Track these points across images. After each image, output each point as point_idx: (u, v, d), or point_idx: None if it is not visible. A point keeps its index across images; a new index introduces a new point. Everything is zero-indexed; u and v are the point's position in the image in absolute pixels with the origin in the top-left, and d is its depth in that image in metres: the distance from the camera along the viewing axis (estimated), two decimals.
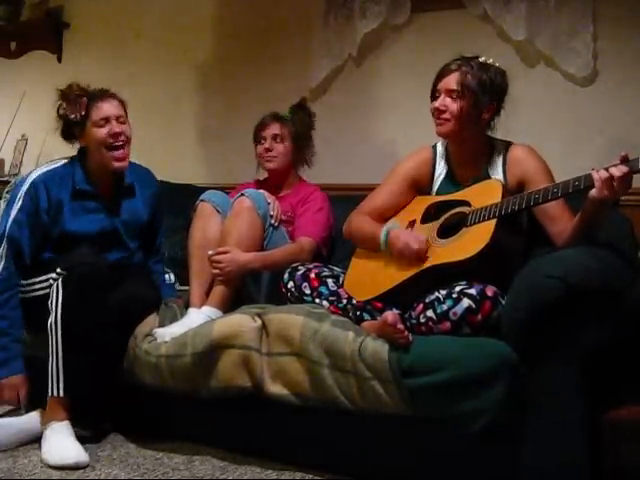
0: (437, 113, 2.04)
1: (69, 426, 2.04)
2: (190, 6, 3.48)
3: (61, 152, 2.45)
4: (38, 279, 2.17)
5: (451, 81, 2.02)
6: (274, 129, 2.58)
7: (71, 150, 2.37)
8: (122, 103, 2.29)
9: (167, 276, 2.49)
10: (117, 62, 3.61)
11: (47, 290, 2.10)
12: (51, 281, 2.10)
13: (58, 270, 2.08)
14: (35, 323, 2.13)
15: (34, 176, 2.23)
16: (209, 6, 3.43)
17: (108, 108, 2.22)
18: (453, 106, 2.01)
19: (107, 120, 2.21)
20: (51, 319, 2.04)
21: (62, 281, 2.06)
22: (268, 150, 2.57)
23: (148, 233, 2.45)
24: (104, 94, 2.26)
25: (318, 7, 3.04)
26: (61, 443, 2.00)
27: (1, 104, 4.11)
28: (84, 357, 2.05)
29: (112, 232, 2.30)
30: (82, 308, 2.03)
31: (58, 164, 2.28)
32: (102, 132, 2.21)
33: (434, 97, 2.07)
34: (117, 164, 2.23)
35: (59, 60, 3.96)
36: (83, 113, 2.20)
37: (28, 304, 2.17)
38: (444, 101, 2.03)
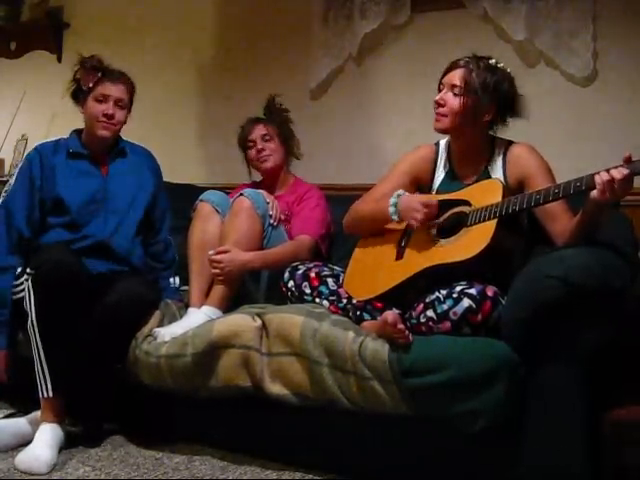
0: (436, 107, 2.04)
1: (54, 429, 2.01)
2: (190, 7, 3.48)
3: None
4: (18, 282, 2.17)
5: (455, 76, 2.01)
6: (260, 130, 2.61)
7: None
8: (129, 89, 2.37)
9: (172, 280, 2.47)
10: (117, 62, 3.55)
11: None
12: (24, 282, 2.10)
13: (28, 270, 2.09)
14: (21, 324, 2.13)
15: (30, 150, 2.38)
16: (210, 7, 3.43)
17: (112, 89, 2.32)
18: (454, 102, 2.01)
19: (106, 99, 2.31)
20: (29, 321, 2.04)
21: (32, 281, 2.06)
22: (261, 151, 2.59)
23: (149, 216, 2.42)
24: (115, 75, 2.35)
25: (318, 7, 3.04)
26: (32, 447, 1.97)
27: (1, 104, 4.11)
28: (71, 355, 2.03)
29: (105, 195, 2.32)
30: (55, 305, 2.02)
31: (52, 139, 2.41)
32: (98, 108, 2.31)
33: (439, 90, 2.07)
34: (102, 131, 2.33)
35: (59, 60, 3.96)
36: (91, 85, 2.31)
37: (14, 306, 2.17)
38: (445, 95, 2.02)
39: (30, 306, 2.04)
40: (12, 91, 4.03)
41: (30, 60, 4.07)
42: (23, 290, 2.11)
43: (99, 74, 2.31)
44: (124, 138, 2.46)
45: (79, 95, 2.35)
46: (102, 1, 3.80)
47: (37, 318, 2.03)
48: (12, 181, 2.34)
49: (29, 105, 3.92)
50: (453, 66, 2.05)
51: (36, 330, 2.03)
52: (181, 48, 3.50)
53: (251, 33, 3.29)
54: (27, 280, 2.08)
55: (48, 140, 2.40)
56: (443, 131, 2.07)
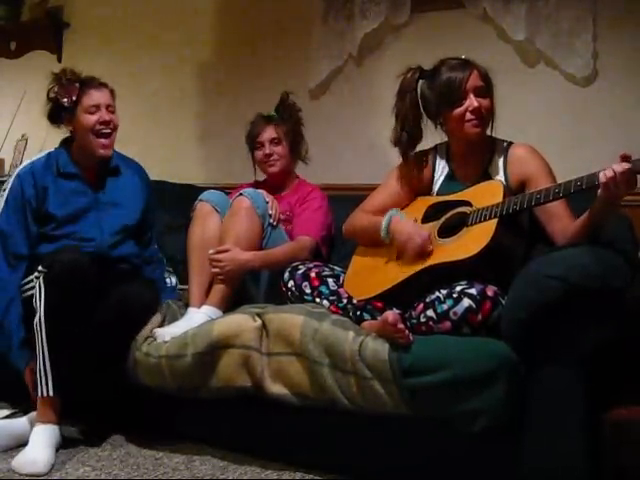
0: (476, 114, 1.97)
1: (52, 430, 2.01)
2: (190, 7, 3.48)
3: None
4: (26, 279, 2.18)
5: (476, 79, 1.99)
6: (270, 133, 2.57)
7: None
8: (112, 92, 2.34)
9: (168, 280, 2.47)
10: (117, 62, 3.61)
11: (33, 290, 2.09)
12: (34, 280, 2.09)
13: (39, 268, 2.08)
14: (27, 323, 2.12)
15: (19, 170, 2.30)
16: (209, 7, 3.43)
17: (99, 96, 2.27)
18: (486, 103, 1.99)
19: (97, 107, 2.26)
20: (36, 318, 2.03)
21: (43, 279, 2.05)
22: (269, 155, 2.57)
23: (139, 225, 2.40)
24: (96, 82, 2.30)
25: (318, 7, 3.04)
26: (29, 448, 1.97)
27: (1, 104, 4.11)
28: (73, 356, 2.03)
29: (99, 211, 2.29)
30: (65, 306, 2.02)
31: (42, 154, 2.33)
32: (92, 119, 2.25)
33: (456, 102, 1.98)
34: (102, 151, 2.28)
35: (59, 60, 3.96)
36: (74, 99, 2.24)
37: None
38: (478, 100, 1.97)
39: (39, 304, 2.03)
40: (12, 91, 4.03)
41: (30, 60, 4.06)
42: (32, 288, 2.09)
43: (77, 85, 2.25)
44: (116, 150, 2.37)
45: (61, 114, 2.28)
46: (102, 1, 3.80)
47: (45, 316, 2.02)
48: (2, 202, 2.25)
49: (29, 105, 3.90)
50: (465, 72, 1.98)
51: (43, 328, 2.02)
52: (181, 48, 3.49)
53: (251, 33, 3.29)
54: (37, 278, 2.07)
55: (35, 159, 2.31)
56: (480, 136, 2.02)
